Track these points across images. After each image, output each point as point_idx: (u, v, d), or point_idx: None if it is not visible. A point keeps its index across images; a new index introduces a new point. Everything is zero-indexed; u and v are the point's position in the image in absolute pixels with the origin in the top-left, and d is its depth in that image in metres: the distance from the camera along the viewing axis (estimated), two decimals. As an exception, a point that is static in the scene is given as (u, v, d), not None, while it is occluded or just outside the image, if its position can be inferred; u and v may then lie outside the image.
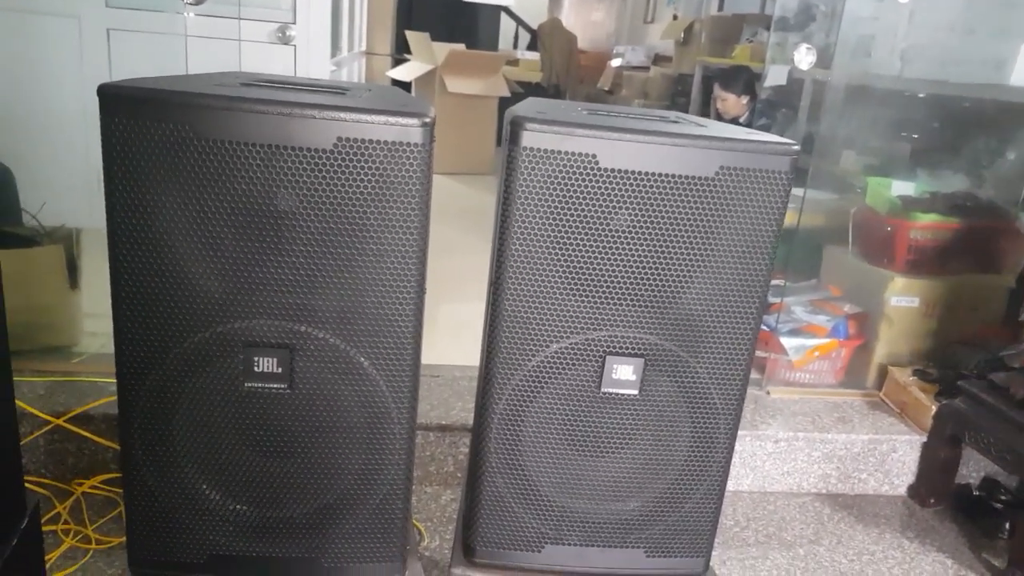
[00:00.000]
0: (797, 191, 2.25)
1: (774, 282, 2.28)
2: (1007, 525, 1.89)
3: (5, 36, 2.17)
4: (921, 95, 2.49)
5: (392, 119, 0.87)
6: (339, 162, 0.88)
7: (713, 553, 1.16)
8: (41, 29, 2.21)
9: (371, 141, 0.87)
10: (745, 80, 3.65)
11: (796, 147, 0.95)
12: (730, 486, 2.01)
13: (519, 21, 7.70)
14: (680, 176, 0.94)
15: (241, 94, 0.87)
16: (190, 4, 2.03)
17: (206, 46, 2.15)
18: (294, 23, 2.36)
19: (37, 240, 1.95)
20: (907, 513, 2.00)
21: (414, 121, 0.88)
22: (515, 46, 8.04)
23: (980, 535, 1.91)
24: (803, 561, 1.75)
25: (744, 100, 3.64)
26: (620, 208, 0.94)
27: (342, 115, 0.87)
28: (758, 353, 2.22)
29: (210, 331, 0.93)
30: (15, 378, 1.12)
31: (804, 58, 2.24)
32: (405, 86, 5.40)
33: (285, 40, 2.34)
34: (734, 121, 3.58)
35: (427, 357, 1.03)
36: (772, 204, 0.96)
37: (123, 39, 2.24)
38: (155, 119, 0.85)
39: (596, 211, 0.94)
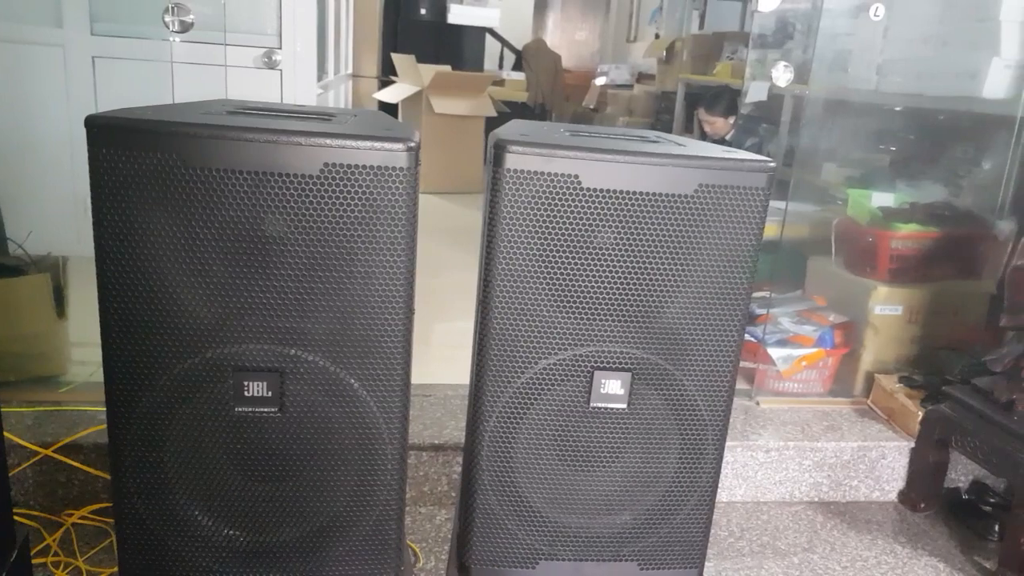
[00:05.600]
0: (779, 204, 2.28)
1: (760, 294, 2.31)
2: (996, 527, 1.91)
3: (-10, 66, 2.19)
4: (898, 108, 2.54)
5: (378, 144, 0.89)
6: (326, 187, 0.89)
7: (709, 564, 1.17)
8: (26, 58, 2.22)
9: (357, 166, 0.89)
10: (728, 100, 3.70)
11: (772, 164, 0.98)
12: (723, 497, 2.02)
13: (504, 42, 7.77)
14: (660, 194, 0.96)
15: (228, 122, 0.89)
16: (175, 31, 2.04)
17: (192, 72, 2.16)
18: (280, 48, 2.38)
19: (23, 270, 1.94)
20: (898, 518, 2.01)
21: (399, 146, 0.89)
22: (500, 67, 8.10)
23: (971, 538, 1.93)
24: (798, 569, 1.75)
25: (731, 120, 3.69)
26: (603, 226, 0.96)
27: (328, 141, 0.88)
28: (747, 364, 2.24)
29: (200, 356, 0.93)
30: (3, 409, 1.11)
31: (782, 75, 2.28)
32: (392, 108, 5.43)
33: (271, 65, 2.36)
34: (722, 141, 3.63)
35: (420, 376, 1.04)
36: (750, 219, 0.98)
37: (109, 67, 2.26)
38: (142, 149, 0.86)
39: (579, 230, 0.96)
